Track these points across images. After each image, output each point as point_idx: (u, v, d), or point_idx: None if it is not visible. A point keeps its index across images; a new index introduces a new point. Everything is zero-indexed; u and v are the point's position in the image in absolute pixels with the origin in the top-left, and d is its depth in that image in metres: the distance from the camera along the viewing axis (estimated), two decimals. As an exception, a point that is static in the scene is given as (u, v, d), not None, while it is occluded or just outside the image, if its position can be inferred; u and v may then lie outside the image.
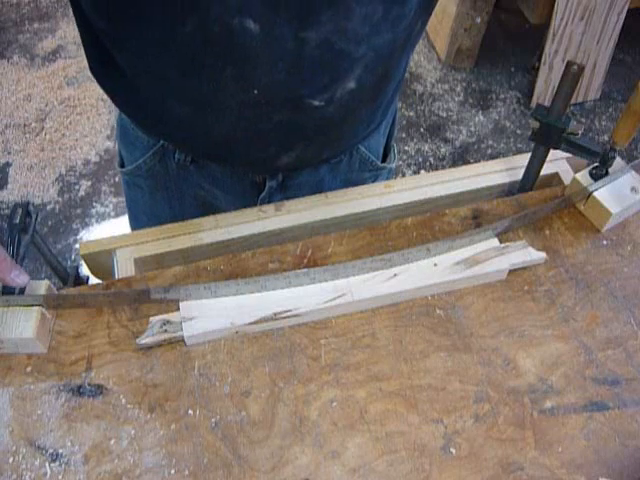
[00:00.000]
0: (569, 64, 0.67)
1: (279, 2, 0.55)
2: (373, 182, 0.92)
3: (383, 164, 0.91)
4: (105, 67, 0.71)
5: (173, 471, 0.57)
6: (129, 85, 0.70)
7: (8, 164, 2.16)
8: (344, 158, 0.85)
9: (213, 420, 0.60)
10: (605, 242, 0.74)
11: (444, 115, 2.32)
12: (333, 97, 0.66)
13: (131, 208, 0.98)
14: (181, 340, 0.65)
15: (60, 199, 2.09)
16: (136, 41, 0.62)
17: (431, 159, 2.19)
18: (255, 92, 0.63)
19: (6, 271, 0.60)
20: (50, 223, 2.02)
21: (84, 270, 0.79)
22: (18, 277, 0.61)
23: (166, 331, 0.64)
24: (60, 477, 0.57)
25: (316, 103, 0.65)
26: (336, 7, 0.56)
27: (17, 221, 0.66)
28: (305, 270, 0.67)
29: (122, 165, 0.90)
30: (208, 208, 0.83)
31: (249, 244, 0.76)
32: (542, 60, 2.15)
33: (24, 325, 0.62)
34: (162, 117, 0.73)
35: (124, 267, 0.73)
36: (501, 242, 0.72)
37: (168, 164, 0.82)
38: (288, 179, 0.83)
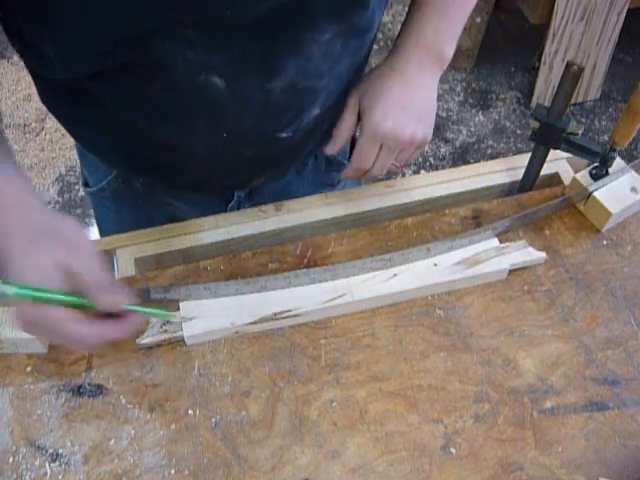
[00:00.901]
0: (569, 64, 0.67)
1: (242, 58, 0.55)
2: (340, 180, 0.92)
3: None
4: (62, 107, 0.66)
5: (173, 471, 0.57)
6: (91, 127, 0.67)
7: (8, 164, 2.16)
8: (309, 161, 0.85)
9: (213, 420, 0.60)
10: (605, 242, 0.74)
11: (444, 115, 2.32)
12: (300, 126, 0.67)
13: (100, 225, 0.95)
14: (181, 340, 0.65)
15: (60, 199, 2.09)
16: (101, 96, 0.59)
17: (431, 159, 2.19)
18: (224, 135, 0.63)
19: (99, 292, 0.50)
20: (50, 223, 2.02)
21: (84, 270, 0.79)
22: (114, 299, 0.51)
23: (166, 331, 0.64)
24: (60, 477, 0.57)
25: (284, 135, 0.66)
26: (297, 53, 0.57)
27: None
28: (305, 270, 0.67)
29: (86, 184, 0.87)
30: (177, 221, 0.82)
31: (249, 244, 0.76)
32: (542, 60, 2.15)
33: (24, 325, 0.62)
34: (127, 158, 0.72)
35: (124, 267, 0.73)
36: (501, 242, 0.72)
37: (132, 185, 0.81)
38: (256, 188, 0.84)
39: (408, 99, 0.66)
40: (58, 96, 0.65)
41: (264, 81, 0.58)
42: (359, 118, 0.69)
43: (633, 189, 0.75)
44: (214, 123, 0.62)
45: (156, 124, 0.62)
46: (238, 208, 0.84)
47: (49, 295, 0.43)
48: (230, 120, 0.62)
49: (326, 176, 0.89)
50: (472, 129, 2.28)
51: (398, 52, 0.67)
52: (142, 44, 0.51)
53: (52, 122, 2.28)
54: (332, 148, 0.72)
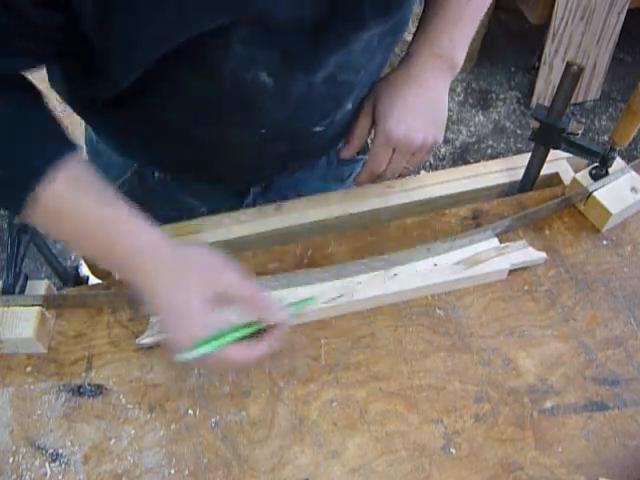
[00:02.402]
0: (569, 64, 0.67)
1: (291, 55, 0.56)
2: (350, 174, 0.93)
3: (359, 156, 0.92)
4: (97, 120, 0.65)
5: (173, 471, 0.57)
6: (121, 126, 0.67)
7: (8, 164, 2.16)
8: (323, 155, 0.86)
9: (213, 420, 0.60)
10: (605, 242, 0.74)
11: (444, 115, 2.32)
12: (333, 121, 0.68)
13: None
14: (181, 340, 0.64)
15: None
16: (142, 102, 0.59)
17: (431, 159, 2.19)
18: (263, 131, 0.64)
19: (265, 308, 0.54)
20: (50, 223, 2.02)
21: (84, 270, 0.79)
22: (276, 313, 0.55)
23: (166, 331, 0.64)
24: (60, 477, 0.57)
25: (318, 129, 0.68)
26: (341, 49, 0.58)
27: (17, 221, 0.66)
28: (305, 270, 0.67)
29: None
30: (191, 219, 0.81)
31: (249, 244, 0.76)
32: (542, 60, 2.15)
33: (24, 325, 0.62)
34: (158, 156, 0.72)
35: (124, 267, 0.73)
36: (501, 242, 0.72)
37: (147, 182, 0.80)
38: (271, 183, 0.84)
39: (420, 105, 0.69)
40: (98, 113, 0.65)
41: (308, 75, 0.59)
42: (373, 122, 0.71)
43: (633, 189, 0.75)
44: (254, 119, 0.63)
45: (192, 123, 0.62)
46: (254, 204, 0.84)
47: (217, 343, 0.50)
48: (271, 116, 0.62)
49: (337, 170, 0.90)
50: (472, 129, 2.28)
51: (412, 59, 0.69)
52: (197, 42, 0.50)
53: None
54: (347, 152, 0.76)
